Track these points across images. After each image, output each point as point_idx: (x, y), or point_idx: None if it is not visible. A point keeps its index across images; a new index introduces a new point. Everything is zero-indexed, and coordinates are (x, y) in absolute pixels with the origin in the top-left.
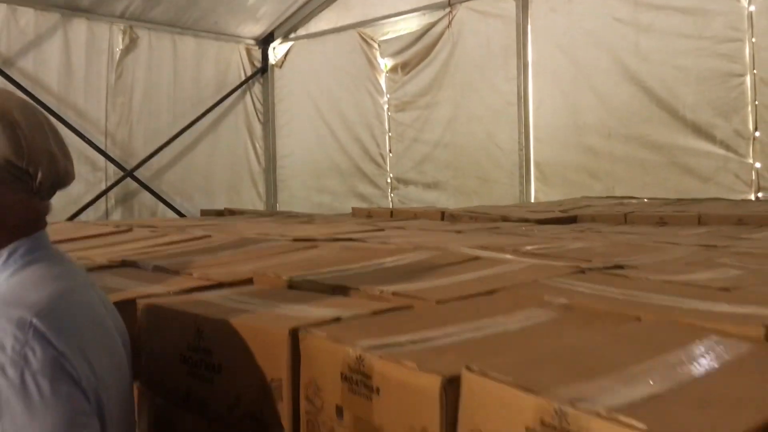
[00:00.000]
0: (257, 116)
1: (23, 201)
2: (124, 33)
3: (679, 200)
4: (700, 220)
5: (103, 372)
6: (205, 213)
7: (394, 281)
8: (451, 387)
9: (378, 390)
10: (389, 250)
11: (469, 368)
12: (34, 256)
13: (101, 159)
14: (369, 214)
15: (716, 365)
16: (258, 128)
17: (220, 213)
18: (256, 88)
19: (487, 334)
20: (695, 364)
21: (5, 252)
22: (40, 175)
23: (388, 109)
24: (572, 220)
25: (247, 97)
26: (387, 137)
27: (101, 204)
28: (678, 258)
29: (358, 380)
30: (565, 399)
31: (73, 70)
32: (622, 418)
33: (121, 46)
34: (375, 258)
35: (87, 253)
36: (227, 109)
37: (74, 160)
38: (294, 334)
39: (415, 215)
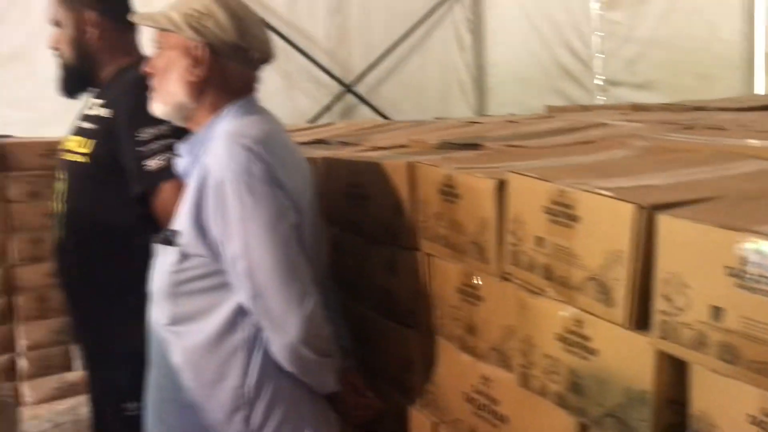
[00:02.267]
0: (468, 25)
1: (243, 72)
2: None
3: None
4: None
5: (297, 185)
6: None
7: (519, 139)
8: (503, 187)
9: (458, 195)
10: (536, 121)
11: (512, 171)
12: (249, 109)
13: (324, 76)
14: (563, 110)
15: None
16: (468, 38)
17: None
18: None
19: (561, 164)
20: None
21: (233, 106)
22: (256, 53)
23: (599, 7)
24: None
25: (457, 6)
26: (596, 37)
27: (325, 119)
28: None
29: (447, 191)
30: (566, 183)
31: None
32: (599, 191)
33: None
34: (522, 127)
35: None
36: (437, 20)
37: (301, 78)
38: (410, 165)
39: (604, 108)
